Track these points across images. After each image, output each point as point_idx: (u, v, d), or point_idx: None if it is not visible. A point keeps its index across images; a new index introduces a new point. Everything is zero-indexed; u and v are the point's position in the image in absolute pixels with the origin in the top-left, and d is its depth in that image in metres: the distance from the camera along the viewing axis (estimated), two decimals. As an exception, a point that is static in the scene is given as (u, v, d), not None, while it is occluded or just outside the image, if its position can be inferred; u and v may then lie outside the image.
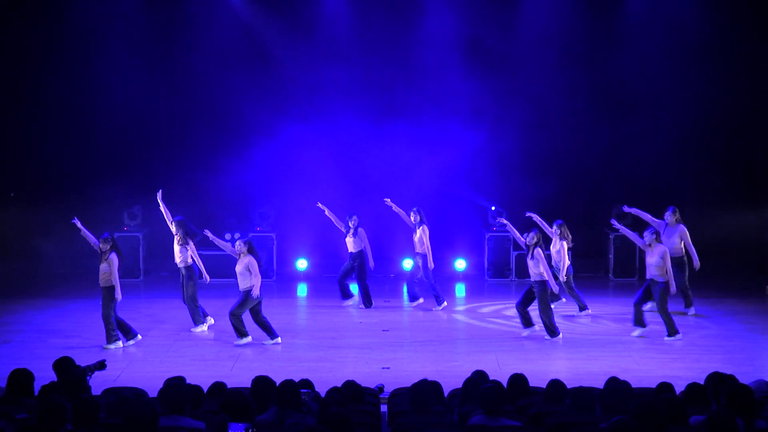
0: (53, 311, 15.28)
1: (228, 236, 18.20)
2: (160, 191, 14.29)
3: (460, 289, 17.57)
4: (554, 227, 14.83)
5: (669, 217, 14.81)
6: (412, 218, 15.45)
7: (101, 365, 9.01)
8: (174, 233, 14.14)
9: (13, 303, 15.72)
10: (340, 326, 14.47)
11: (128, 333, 13.16)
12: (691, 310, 14.90)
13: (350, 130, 18.62)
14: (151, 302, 16.15)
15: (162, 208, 14.26)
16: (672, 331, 13.29)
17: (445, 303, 15.50)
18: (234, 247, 13.41)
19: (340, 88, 18.68)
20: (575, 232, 18.08)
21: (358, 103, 18.68)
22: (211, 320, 14.28)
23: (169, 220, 14.25)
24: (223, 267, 17.44)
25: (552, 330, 13.34)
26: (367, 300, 15.60)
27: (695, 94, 18.50)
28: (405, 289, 16.15)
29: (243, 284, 13.09)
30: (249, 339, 13.15)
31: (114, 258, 13.13)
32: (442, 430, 7.57)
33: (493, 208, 18.51)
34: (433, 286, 15.45)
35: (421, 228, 15.35)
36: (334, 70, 18.66)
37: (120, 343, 13.00)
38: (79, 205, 18.21)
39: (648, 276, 13.46)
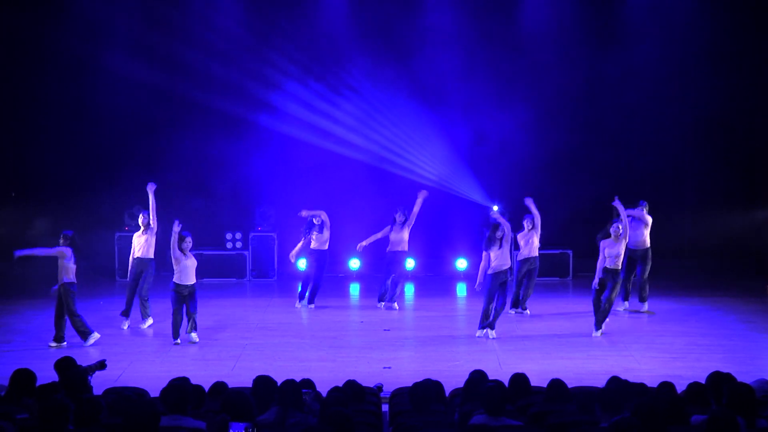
0: (53, 311, 15.25)
1: (229, 236, 18.25)
2: (154, 185, 14.05)
3: (461, 289, 17.57)
4: (526, 220, 14.87)
5: (640, 211, 14.89)
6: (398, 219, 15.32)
7: (102, 365, 9.01)
8: (146, 225, 13.95)
9: (14, 303, 15.71)
10: (341, 325, 14.48)
11: (61, 338, 12.99)
12: (626, 305, 15.00)
13: (352, 129, 18.58)
14: (151, 301, 16.05)
15: (151, 199, 14.02)
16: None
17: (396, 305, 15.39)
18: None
19: (342, 87, 18.62)
20: (575, 230, 18.14)
21: (359, 102, 18.61)
22: (150, 320, 14.22)
23: (153, 214, 13.99)
24: (216, 267, 17.56)
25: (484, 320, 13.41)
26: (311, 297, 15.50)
27: (697, 92, 18.50)
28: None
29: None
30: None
31: (65, 250, 12.71)
32: (443, 430, 7.57)
33: (495, 208, 18.50)
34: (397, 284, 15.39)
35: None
36: (335, 68, 18.60)
37: (97, 335, 12.97)
38: (79, 204, 18.26)
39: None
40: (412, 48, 18.73)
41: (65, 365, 8.65)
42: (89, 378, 8.43)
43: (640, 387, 8.10)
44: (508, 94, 18.57)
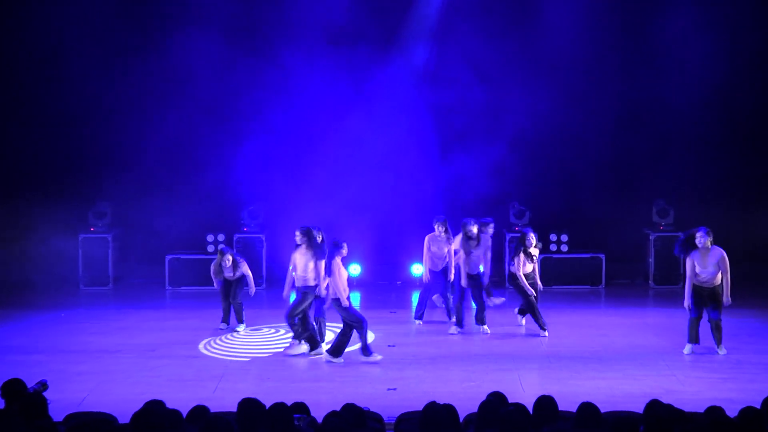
0: (13, 325, 15.25)
1: (210, 237, 18.22)
2: None
3: (477, 298, 17.52)
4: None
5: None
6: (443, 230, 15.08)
7: (43, 386, 8.87)
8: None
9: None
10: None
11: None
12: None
13: (352, 121, 18.49)
14: (122, 314, 16.11)
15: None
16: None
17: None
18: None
19: (340, 77, 18.50)
20: (608, 232, 18.11)
21: (359, 94, 18.46)
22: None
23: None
24: (195, 274, 17.59)
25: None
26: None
27: (718, 90, 18.43)
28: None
29: None
30: None
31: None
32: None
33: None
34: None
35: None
36: (332, 60, 18.48)
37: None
38: (37, 203, 18.18)
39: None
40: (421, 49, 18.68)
41: (14, 389, 8.55)
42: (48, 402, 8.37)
43: (684, 413, 8.06)
44: (529, 91, 18.48)
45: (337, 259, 13.26)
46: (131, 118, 18.43)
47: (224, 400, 10.77)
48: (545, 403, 8.52)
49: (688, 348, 13.49)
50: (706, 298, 13.29)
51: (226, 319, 15.04)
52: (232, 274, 14.91)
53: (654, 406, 8.02)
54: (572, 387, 11.79)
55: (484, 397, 8.56)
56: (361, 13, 18.33)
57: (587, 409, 8.22)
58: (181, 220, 18.41)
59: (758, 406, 8.10)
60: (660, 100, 18.69)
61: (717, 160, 18.80)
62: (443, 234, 14.98)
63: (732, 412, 8.24)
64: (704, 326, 13.46)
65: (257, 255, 18.18)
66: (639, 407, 8.35)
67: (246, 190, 18.46)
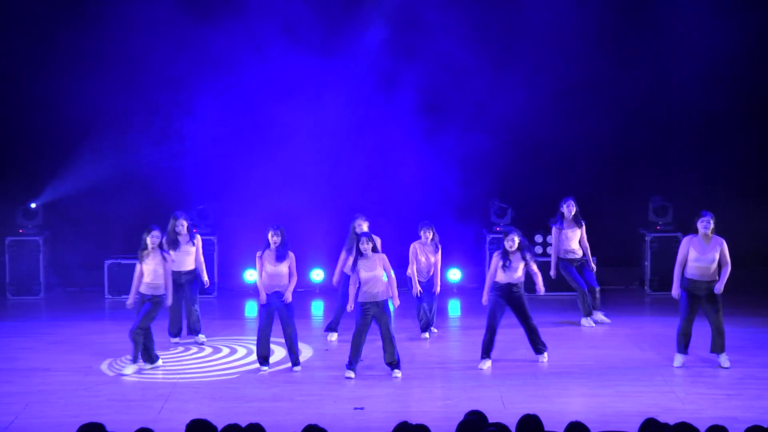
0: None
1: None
2: None
3: (454, 307, 17.57)
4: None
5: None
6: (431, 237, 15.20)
7: None
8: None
9: None
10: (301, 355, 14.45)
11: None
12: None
13: (316, 107, 18.47)
14: (55, 326, 16.04)
15: None
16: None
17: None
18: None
19: (301, 51, 18.49)
20: (599, 232, 18.20)
21: (324, 72, 18.45)
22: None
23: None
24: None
25: None
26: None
27: (725, 73, 18.56)
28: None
29: None
30: None
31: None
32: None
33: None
34: None
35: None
36: (293, 32, 18.47)
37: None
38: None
39: None
40: (409, 32, 18.70)
41: None
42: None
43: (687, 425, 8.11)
44: (521, 77, 18.58)
45: (360, 261, 13.31)
46: (63, 104, 18.21)
47: (171, 422, 10.80)
48: (529, 422, 8.54)
49: (678, 359, 13.57)
50: (702, 297, 13.37)
51: (176, 331, 14.88)
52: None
53: (650, 425, 8.07)
54: (559, 405, 11.86)
55: (461, 417, 8.59)
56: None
57: (576, 429, 8.26)
58: (121, 221, 18.32)
59: (766, 426, 8.16)
60: (658, 84, 18.79)
61: (723, 150, 18.86)
62: (429, 241, 15.10)
63: None
64: (704, 333, 13.56)
65: (209, 260, 18.08)
66: (633, 427, 8.40)
67: (195, 186, 18.39)
